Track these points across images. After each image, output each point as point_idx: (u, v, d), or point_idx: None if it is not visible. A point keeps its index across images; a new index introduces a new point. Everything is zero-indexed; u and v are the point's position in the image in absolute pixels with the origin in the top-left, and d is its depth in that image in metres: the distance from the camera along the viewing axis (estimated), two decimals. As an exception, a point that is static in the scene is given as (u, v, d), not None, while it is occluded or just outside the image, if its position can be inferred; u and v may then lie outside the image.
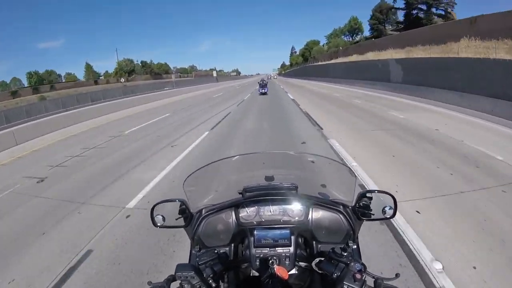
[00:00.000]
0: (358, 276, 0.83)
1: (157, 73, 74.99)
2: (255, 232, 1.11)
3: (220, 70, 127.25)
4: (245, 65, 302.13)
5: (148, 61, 78.40)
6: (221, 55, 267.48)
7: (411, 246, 2.85)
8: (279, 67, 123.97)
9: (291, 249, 1.06)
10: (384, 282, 0.83)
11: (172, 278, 0.92)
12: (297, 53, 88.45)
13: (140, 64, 73.77)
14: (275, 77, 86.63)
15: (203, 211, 1.21)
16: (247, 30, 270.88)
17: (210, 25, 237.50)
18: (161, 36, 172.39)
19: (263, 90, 23.54)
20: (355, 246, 1.10)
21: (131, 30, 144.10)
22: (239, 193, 1.24)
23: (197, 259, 0.99)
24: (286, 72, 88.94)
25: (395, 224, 3.21)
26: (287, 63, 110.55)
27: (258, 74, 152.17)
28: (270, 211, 1.16)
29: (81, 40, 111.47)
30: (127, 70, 67.05)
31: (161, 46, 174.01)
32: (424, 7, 39.14)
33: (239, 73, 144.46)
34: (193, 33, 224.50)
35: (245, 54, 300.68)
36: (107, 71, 72.07)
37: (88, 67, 66.69)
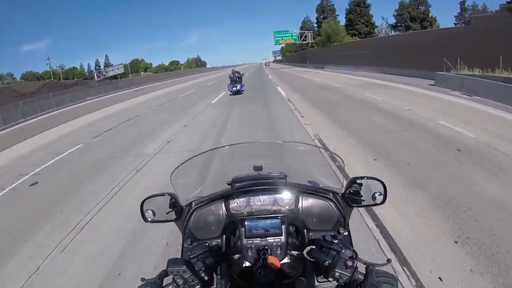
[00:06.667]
0: (349, 263, 0.83)
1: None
2: (245, 223, 1.10)
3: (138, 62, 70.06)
4: (230, 55, 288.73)
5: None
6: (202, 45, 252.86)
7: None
8: (283, 46, 75.59)
9: (282, 238, 1.06)
10: (376, 268, 0.85)
11: (164, 273, 0.92)
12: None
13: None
14: (268, 64, 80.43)
15: (193, 204, 1.19)
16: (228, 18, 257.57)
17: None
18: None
19: (235, 88, 16.18)
20: (346, 233, 1.11)
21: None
22: (228, 184, 1.22)
23: (189, 252, 0.98)
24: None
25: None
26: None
27: (244, 64, 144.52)
28: (260, 201, 1.15)
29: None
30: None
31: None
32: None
33: (204, 64, 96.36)
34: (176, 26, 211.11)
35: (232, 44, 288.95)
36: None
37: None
